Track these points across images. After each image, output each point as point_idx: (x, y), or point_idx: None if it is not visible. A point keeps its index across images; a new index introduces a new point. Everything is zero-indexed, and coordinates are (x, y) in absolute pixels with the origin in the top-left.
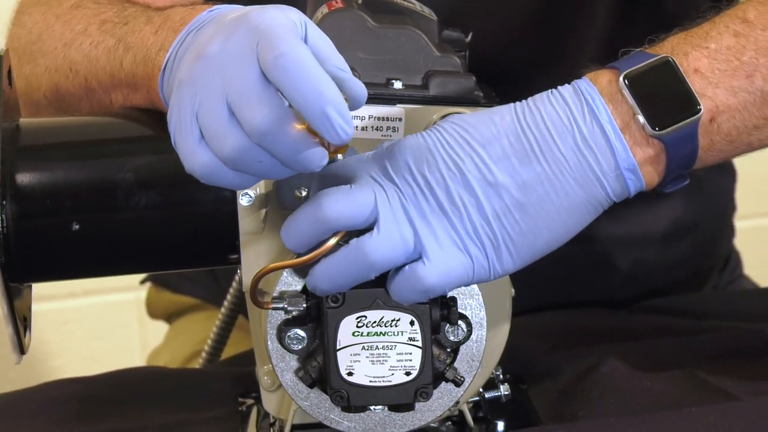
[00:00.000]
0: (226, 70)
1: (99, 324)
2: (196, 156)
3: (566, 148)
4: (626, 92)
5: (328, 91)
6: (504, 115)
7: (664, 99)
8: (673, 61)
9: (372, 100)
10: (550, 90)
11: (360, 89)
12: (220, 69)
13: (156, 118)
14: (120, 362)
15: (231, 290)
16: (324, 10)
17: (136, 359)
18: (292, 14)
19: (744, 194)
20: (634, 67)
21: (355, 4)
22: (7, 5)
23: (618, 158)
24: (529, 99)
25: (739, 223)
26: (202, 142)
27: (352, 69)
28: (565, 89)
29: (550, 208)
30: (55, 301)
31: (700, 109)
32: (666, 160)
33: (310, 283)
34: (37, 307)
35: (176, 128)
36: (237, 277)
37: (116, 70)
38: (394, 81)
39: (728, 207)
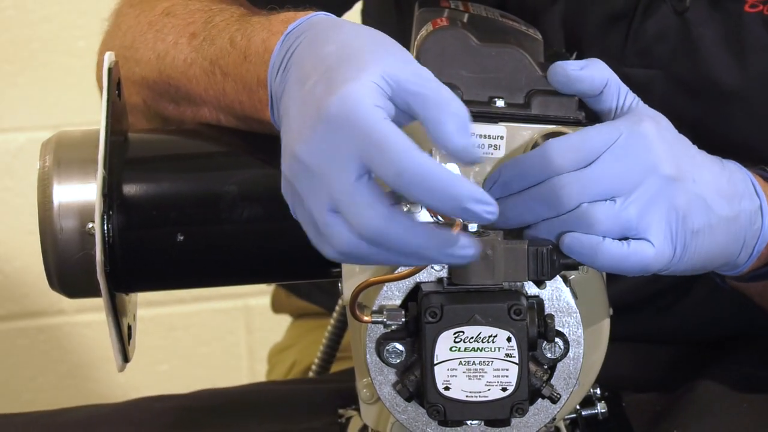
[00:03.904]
0: (324, 177)
1: (206, 330)
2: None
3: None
4: None
5: (461, 188)
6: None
7: None
8: None
9: (474, 117)
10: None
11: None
12: (318, 175)
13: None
14: (226, 369)
15: (339, 302)
16: (429, 27)
17: (243, 366)
18: (374, 76)
19: None
20: None
21: (459, 22)
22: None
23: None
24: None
25: None
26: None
27: (455, 87)
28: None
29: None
30: (163, 307)
31: None
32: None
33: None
34: (145, 312)
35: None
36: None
37: (220, 95)
38: (496, 99)
39: None
